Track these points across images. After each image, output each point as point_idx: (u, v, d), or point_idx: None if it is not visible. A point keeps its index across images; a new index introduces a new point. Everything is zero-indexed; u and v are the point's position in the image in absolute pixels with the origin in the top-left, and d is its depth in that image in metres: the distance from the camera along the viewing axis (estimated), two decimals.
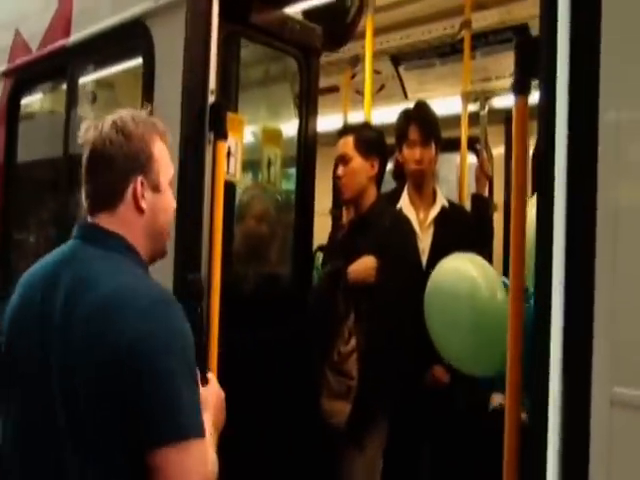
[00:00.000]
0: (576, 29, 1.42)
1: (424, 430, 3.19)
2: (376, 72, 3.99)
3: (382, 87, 4.65)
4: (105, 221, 1.54)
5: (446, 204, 3.33)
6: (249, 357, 2.71)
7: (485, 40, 4.17)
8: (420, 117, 3.29)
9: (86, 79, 3.54)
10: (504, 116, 4.45)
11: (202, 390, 1.58)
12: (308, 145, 3.27)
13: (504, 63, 4.16)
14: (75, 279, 1.45)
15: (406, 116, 3.33)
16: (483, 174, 3.68)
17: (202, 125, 2.48)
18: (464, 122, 3.91)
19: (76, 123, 3.42)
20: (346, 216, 3.69)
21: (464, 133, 3.89)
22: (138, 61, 2.92)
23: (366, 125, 3.25)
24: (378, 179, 3.07)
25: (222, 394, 1.71)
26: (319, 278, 3.23)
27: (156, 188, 1.57)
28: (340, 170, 3.03)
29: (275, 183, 3.18)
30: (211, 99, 2.50)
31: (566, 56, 1.42)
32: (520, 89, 1.62)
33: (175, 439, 1.33)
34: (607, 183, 1.37)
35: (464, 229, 3.24)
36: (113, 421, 1.35)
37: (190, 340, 1.43)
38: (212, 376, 1.73)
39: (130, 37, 2.92)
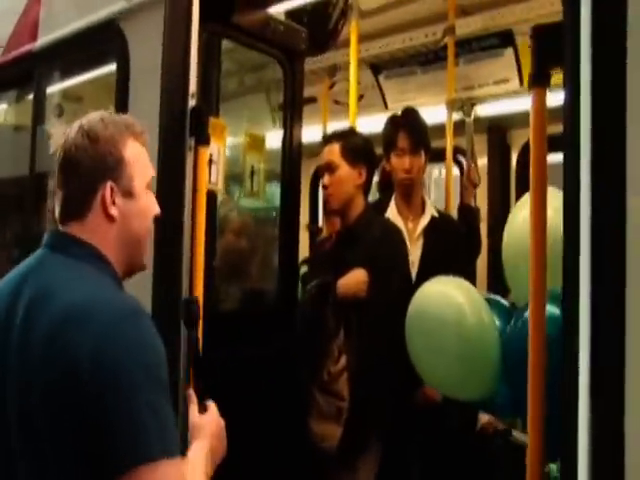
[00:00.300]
0: (600, 12, 1.29)
1: (416, 450, 3.05)
2: None
3: (362, 97, 4.53)
4: (76, 230, 1.45)
5: (436, 214, 3.20)
6: (233, 376, 2.54)
7: (468, 47, 4.09)
8: (409, 124, 3.15)
9: (55, 87, 3.37)
10: (487, 125, 4.39)
11: (199, 418, 1.55)
12: (293, 154, 3.12)
13: (487, 71, 4.09)
14: (38, 291, 1.36)
15: (394, 123, 3.19)
16: (470, 182, 3.58)
17: (182, 130, 2.31)
18: (449, 131, 3.82)
19: (43, 133, 3.26)
20: (327, 228, 3.54)
21: (449, 142, 3.80)
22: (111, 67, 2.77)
23: (352, 131, 3.11)
24: (366, 188, 2.92)
25: (222, 422, 1.59)
26: (304, 293, 3.07)
27: (129, 193, 1.46)
28: (326, 179, 2.88)
29: (259, 194, 3.02)
30: (192, 103, 2.34)
31: (588, 41, 1.28)
32: (538, 80, 1.49)
33: (141, 460, 1.19)
34: (636, 176, 1.23)
35: (454, 239, 3.13)
36: (71, 440, 1.22)
37: (161, 355, 1.31)
38: (211, 403, 1.62)
39: (103, 40, 2.76)
